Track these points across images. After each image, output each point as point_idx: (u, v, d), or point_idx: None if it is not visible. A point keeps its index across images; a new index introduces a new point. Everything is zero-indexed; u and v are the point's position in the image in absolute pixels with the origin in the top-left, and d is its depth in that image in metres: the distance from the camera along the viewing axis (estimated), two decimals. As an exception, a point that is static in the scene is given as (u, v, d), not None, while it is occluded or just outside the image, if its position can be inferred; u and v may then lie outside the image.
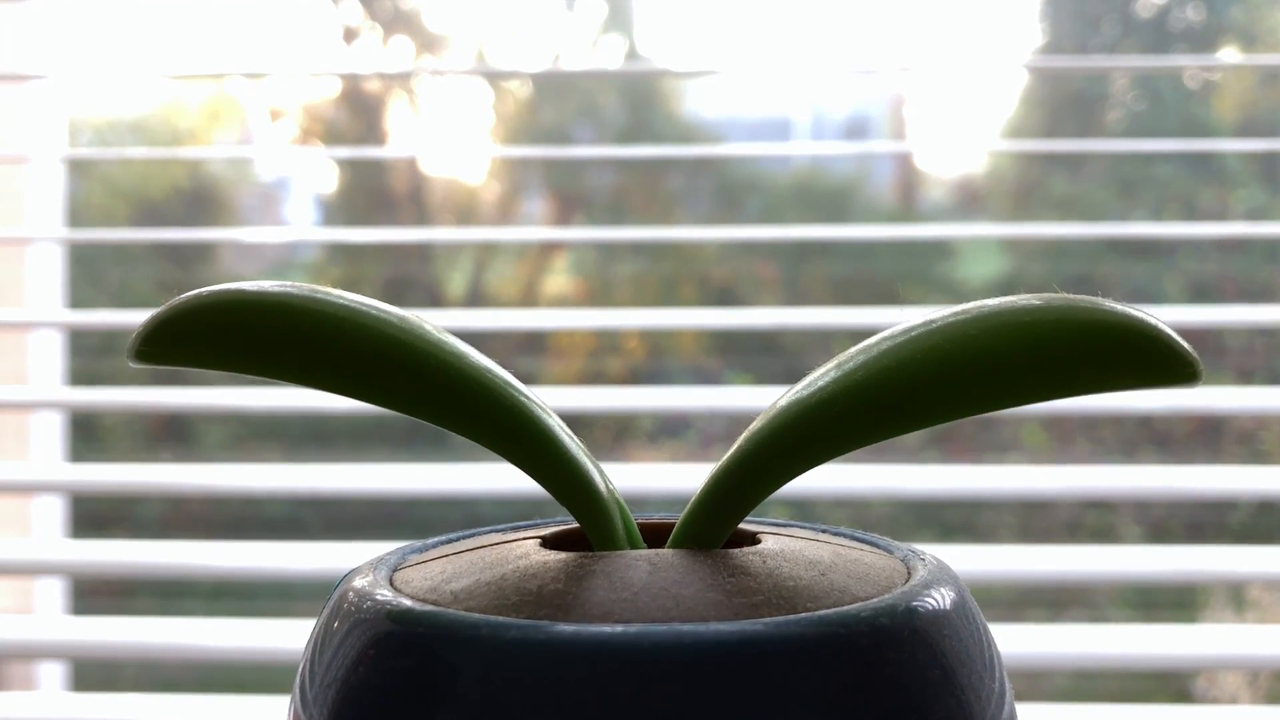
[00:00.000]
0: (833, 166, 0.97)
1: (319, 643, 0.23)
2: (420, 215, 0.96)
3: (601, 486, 0.25)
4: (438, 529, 0.29)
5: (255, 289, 0.23)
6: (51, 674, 0.87)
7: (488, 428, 0.24)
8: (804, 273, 0.93)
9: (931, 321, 0.23)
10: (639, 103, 0.97)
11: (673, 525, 0.26)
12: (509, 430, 0.24)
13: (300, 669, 0.23)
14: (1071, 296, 0.22)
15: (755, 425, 0.24)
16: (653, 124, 0.97)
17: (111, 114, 0.97)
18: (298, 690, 0.23)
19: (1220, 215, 0.90)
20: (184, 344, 0.23)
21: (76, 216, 0.92)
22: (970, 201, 0.95)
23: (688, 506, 0.25)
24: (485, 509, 0.86)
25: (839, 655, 0.20)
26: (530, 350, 0.94)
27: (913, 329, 0.23)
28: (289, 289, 0.23)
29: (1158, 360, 0.21)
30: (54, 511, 0.88)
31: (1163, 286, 0.91)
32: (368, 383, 0.23)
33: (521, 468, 0.25)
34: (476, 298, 0.95)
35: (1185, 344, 0.22)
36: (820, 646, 0.20)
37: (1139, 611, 0.89)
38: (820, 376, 0.24)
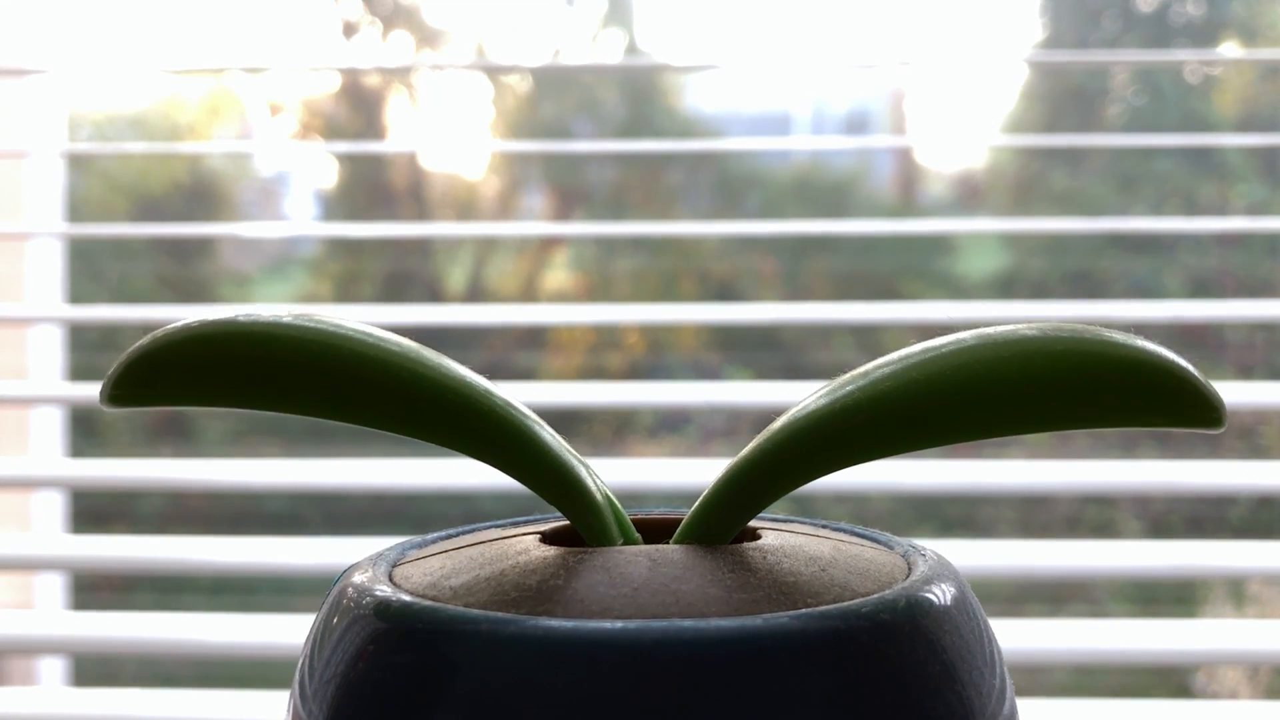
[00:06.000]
0: (833, 161, 0.97)
1: (318, 638, 0.23)
2: (420, 210, 0.96)
3: (590, 484, 0.25)
4: (437, 524, 0.29)
5: (220, 319, 0.23)
6: (52, 669, 0.87)
7: (468, 436, 0.24)
8: (804, 267, 0.93)
9: (963, 339, 0.23)
10: (639, 97, 0.97)
11: (673, 520, 0.26)
12: (489, 436, 0.24)
13: (300, 664, 0.23)
14: (1105, 330, 0.23)
15: (776, 425, 0.24)
16: (652, 119, 0.97)
17: (111, 109, 0.97)
18: (297, 685, 0.23)
19: (1220, 210, 0.90)
20: (155, 385, 0.23)
21: (76, 211, 0.92)
22: (970, 196, 0.95)
23: (698, 501, 0.25)
24: (485, 504, 0.86)
25: (839, 651, 0.20)
26: (530, 345, 0.94)
27: (944, 345, 0.23)
28: (252, 316, 0.23)
29: (1186, 404, 0.22)
30: (54, 506, 0.88)
31: (1163, 281, 0.91)
32: (342, 403, 0.23)
33: (507, 471, 0.24)
34: (476, 293, 0.95)
35: (1214, 389, 0.22)
36: (821, 642, 0.20)
37: (1139, 606, 0.89)
38: (846, 383, 0.24)
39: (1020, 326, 0.23)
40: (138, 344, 0.23)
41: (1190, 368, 0.22)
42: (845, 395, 0.23)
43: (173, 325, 0.23)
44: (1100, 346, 0.22)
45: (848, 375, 0.24)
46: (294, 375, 0.23)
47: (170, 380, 0.23)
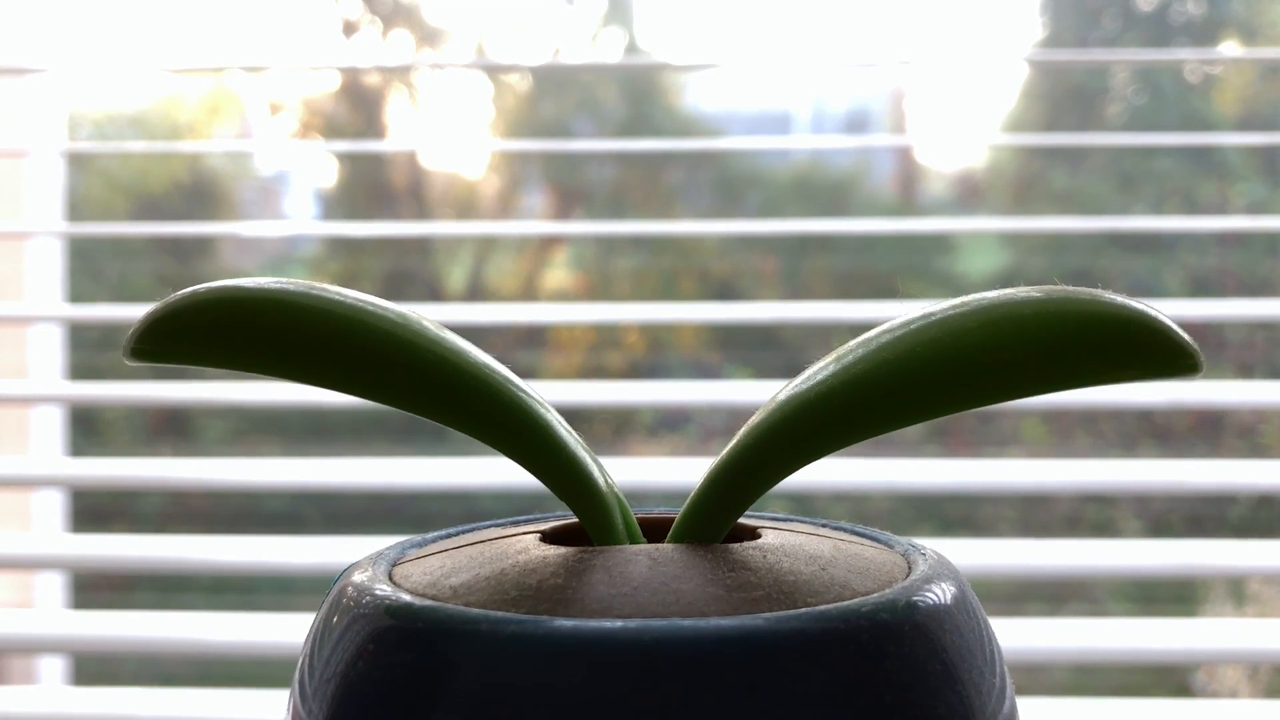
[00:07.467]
0: (833, 160, 0.97)
1: (318, 637, 0.23)
2: (420, 209, 0.96)
3: (600, 481, 0.25)
4: (437, 523, 0.29)
5: (251, 285, 0.23)
6: (52, 668, 0.87)
7: (486, 423, 0.24)
8: (804, 266, 0.93)
9: (931, 314, 0.23)
10: (639, 96, 0.97)
11: (673, 520, 0.26)
12: (507, 425, 0.24)
13: (299, 663, 0.23)
14: (1071, 289, 0.22)
15: (755, 419, 0.24)
16: (652, 117, 0.97)
17: (111, 108, 0.97)
18: (297, 685, 0.23)
19: (1220, 209, 0.90)
20: (180, 341, 0.23)
21: (76, 210, 0.92)
22: (970, 195, 0.95)
23: (687, 501, 0.25)
24: (485, 503, 0.86)
25: (840, 650, 0.20)
26: (530, 344, 0.94)
27: (912, 321, 0.23)
28: (285, 285, 0.23)
29: (1158, 352, 0.21)
30: (54, 506, 0.88)
31: (1163, 280, 0.91)
32: (365, 379, 0.23)
33: (520, 463, 0.24)
34: (476, 292, 0.95)
35: (1185, 335, 0.22)
36: (821, 641, 0.20)
37: (1139, 605, 0.89)
38: (820, 370, 0.23)
39: (986, 294, 0.23)
40: (167, 300, 0.23)
41: (1161, 316, 0.22)
42: (819, 382, 0.23)
43: (203, 285, 0.23)
44: (1068, 305, 0.22)
45: (821, 361, 0.24)
46: (319, 347, 0.23)
47: (195, 338, 0.23)
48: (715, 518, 0.25)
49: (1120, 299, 0.22)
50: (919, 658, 0.21)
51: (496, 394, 0.24)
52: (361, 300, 0.23)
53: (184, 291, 0.23)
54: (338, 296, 0.23)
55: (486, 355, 0.24)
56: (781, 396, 0.24)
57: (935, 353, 0.22)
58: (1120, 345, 0.21)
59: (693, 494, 0.25)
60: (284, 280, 0.23)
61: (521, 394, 0.24)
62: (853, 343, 0.24)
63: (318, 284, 0.24)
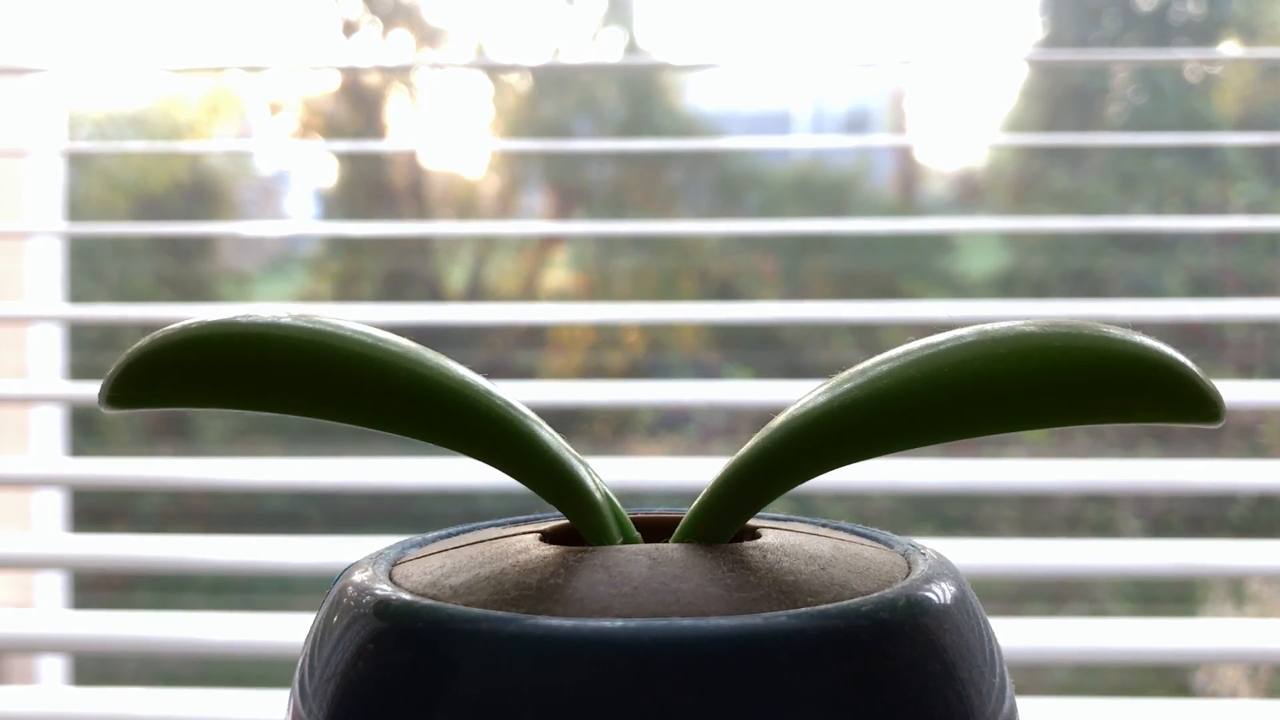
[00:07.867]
0: (833, 160, 0.97)
1: (318, 637, 0.23)
2: (420, 209, 0.96)
3: (589, 483, 0.25)
4: (437, 523, 0.29)
5: (218, 321, 0.23)
6: (52, 668, 0.87)
7: (466, 436, 0.24)
8: (804, 266, 0.93)
9: (961, 336, 0.23)
10: (639, 96, 0.97)
11: (672, 519, 0.26)
12: (489, 437, 0.24)
13: (300, 663, 0.23)
14: (1103, 325, 0.23)
15: (775, 424, 0.24)
16: (652, 117, 0.97)
17: (111, 107, 0.97)
18: (297, 684, 0.23)
19: (1220, 209, 0.90)
20: (153, 386, 0.23)
21: (76, 210, 0.92)
22: (970, 195, 0.95)
23: (697, 501, 0.25)
24: (485, 503, 0.86)
25: (839, 650, 0.20)
26: (530, 344, 0.94)
27: (942, 342, 0.23)
28: (250, 318, 0.23)
29: (1184, 399, 0.22)
30: (54, 505, 0.88)
31: (1163, 280, 0.91)
32: (340, 404, 0.23)
33: (506, 471, 0.24)
34: (476, 292, 0.95)
35: (1212, 383, 0.22)
36: (820, 641, 0.20)
37: (1139, 605, 0.89)
38: (845, 381, 0.24)
39: (1018, 323, 0.23)
40: (135, 346, 0.23)
41: (1188, 362, 0.22)
42: (843, 393, 0.23)
43: (171, 327, 0.23)
44: (1098, 342, 0.22)
45: (846, 373, 0.24)
46: (292, 376, 0.23)
47: (168, 382, 0.23)
48: (724, 519, 0.25)
49: (1150, 341, 0.22)
50: (919, 657, 0.21)
51: (474, 406, 0.24)
52: (329, 325, 0.24)
53: (153, 335, 0.23)
54: (305, 324, 0.23)
55: (464, 369, 0.24)
56: (803, 404, 0.24)
57: (961, 376, 0.22)
58: (1147, 388, 0.22)
59: (703, 494, 0.25)
60: (249, 311, 0.24)
61: (501, 404, 0.24)
62: (880, 357, 0.24)
63: (284, 312, 0.24)
